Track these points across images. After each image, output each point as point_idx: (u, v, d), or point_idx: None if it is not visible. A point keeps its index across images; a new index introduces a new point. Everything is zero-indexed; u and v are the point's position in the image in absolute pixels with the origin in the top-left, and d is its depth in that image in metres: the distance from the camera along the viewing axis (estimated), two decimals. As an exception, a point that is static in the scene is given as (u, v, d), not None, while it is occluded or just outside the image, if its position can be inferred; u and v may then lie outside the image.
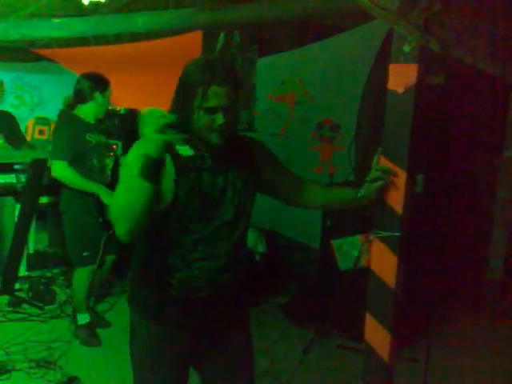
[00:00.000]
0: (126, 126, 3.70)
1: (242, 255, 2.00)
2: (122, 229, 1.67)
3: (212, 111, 1.73)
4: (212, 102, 1.72)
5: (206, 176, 1.81)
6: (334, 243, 2.66)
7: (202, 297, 1.85)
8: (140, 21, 2.89)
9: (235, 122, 1.84)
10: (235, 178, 1.88)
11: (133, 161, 1.70)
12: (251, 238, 4.58)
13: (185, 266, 1.82)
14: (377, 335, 2.24)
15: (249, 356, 2.10)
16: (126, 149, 4.20)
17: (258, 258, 4.60)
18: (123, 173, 1.75)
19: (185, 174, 1.77)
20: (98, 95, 3.71)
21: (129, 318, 1.99)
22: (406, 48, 2.11)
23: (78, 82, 3.74)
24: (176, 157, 1.78)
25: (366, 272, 2.23)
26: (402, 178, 2.08)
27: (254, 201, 2.01)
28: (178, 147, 1.80)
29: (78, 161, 3.61)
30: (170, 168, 1.76)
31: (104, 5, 2.43)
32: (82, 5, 2.20)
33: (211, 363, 2.01)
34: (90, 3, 2.10)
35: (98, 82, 3.74)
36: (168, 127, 1.66)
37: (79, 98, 3.73)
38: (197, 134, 1.77)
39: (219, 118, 1.73)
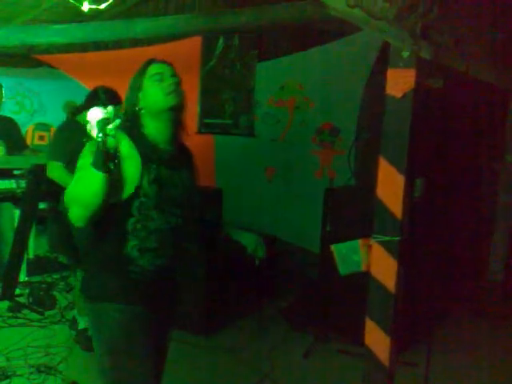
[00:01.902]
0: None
1: (183, 245, 2.17)
2: (73, 213, 1.80)
3: (160, 77, 1.97)
4: (157, 69, 1.99)
5: (163, 170, 1.98)
6: (334, 248, 2.67)
7: (155, 280, 2.03)
8: (139, 27, 2.90)
9: (182, 102, 2.01)
10: (186, 177, 2.10)
11: (87, 153, 1.86)
12: (251, 242, 4.55)
13: (140, 255, 1.97)
14: (377, 339, 2.24)
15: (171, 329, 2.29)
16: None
17: (257, 262, 4.58)
18: (80, 163, 1.89)
19: (147, 165, 1.92)
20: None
21: (89, 309, 2.06)
22: (405, 53, 2.12)
23: (96, 93, 3.76)
24: (140, 143, 1.94)
25: (366, 276, 2.24)
26: (401, 182, 2.10)
27: (198, 201, 2.25)
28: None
29: (74, 163, 3.61)
30: (134, 156, 1.90)
31: (103, 11, 2.45)
32: (82, 11, 2.21)
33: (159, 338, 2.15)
34: (90, 10, 2.11)
35: (109, 98, 3.77)
36: (108, 121, 1.78)
37: (90, 107, 3.73)
38: (153, 111, 1.97)
39: (168, 79, 1.97)
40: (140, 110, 1.98)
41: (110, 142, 1.77)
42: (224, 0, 5.19)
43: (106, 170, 1.76)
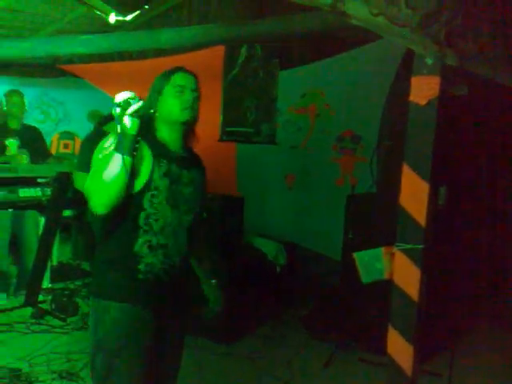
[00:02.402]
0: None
1: (190, 246, 2.16)
2: (98, 199, 1.84)
3: (181, 89, 2.02)
4: (181, 80, 2.03)
5: (174, 167, 2.03)
6: (356, 256, 2.65)
7: (164, 280, 2.03)
8: (163, 37, 2.94)
9: (196, 117, 2.11)
10: (196, 178, 2.14)
11: (109, 140, 1.93)
12: (272, 249, 4.58)
13: (150, 252, 1.99)
14: (399, 348, 2.22)
15: (183, 338, 2.27)
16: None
17: (278, 269, 4.59)
18: (99, 150, 1.94)
19: (158, 159, 1.98)
20: None
21: (91, 305, 2.08)
22: (429, 60, 2.12)
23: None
24: (152, 142, 2.00)
25: (388, 284, 2.22)
26: (425, 190, 2.08)
27: (205, 200, 2.27)
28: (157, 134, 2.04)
29: None
30: (146, 152, 1.96)
31: (130, 22, 2.49)
32: (106, 22, 2.26)
33: (160, 343, 2.12)
34: (117, 22, 2.15)
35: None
36: (132, 101, 1.85)
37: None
38: (167, 120, 2.03)
39: (188, 94, 2.02)
40: (155, 112, 2.03)
41: (134, 122, 1.84)
42: (247, 10, 5.23)
43: (129, 153, 1.83)
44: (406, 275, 2.15)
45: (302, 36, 4.22)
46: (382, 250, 2.52)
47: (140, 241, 1.98)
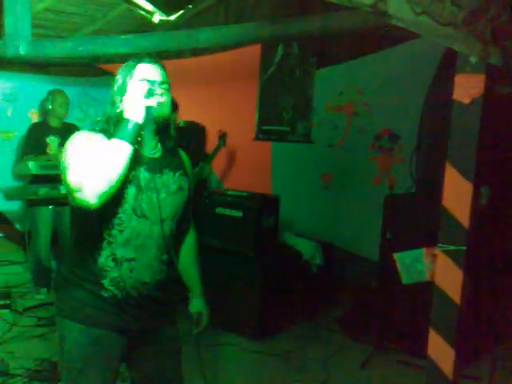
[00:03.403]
0: (184, 139, 3.80)
1: (169, 257, 1.98)
2: (93, 188, 1.63)
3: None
4: (146, 73, 1.86)
5: (143, 172, 1.85)
6: (397, 257, 2.62)
7: (133, 297, 1.87)
8: (202, 36, 2.96)
9: (169, 112, 1.91)
10: (172, 182, 1.94)
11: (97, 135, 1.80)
12: (308, 249, 4.56)
13: (115, 266, 1.83)
14: (441, 351, 2.19)
15: (177, 349, 2.10)
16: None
17: (314, 269, 4.57)
18: (85, 136, 1.80)
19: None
20: None
21: (56, 321, 1.98)
22: (472, 59, 2.08)
23: None
24: None
25: (427, 286, 2.19)
26: (468, 190, 2.05)
27: (189, 206, 2.07)
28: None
29: None
30: None
31: (167, 21, 2.52)
32: (151, 22, 2.29)
33: (141, 358, 2.02)
34: (160, 21, 2.17)
35: (173, 105, 3.87)
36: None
37: None
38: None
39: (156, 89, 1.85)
40: (121, 112, 1.80)
41: (148, 113, 1.75)
42: (283, 8, 5.22)
43: (133, 142, 1.71)
44: (448, 277, 2.12)
45: (341, 34, 4.20)
46: (424, 251, 2.49)
47: (104, 253, 1.83)
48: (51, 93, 4.96)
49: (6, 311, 4.39)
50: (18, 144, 5.74)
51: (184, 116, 5.00)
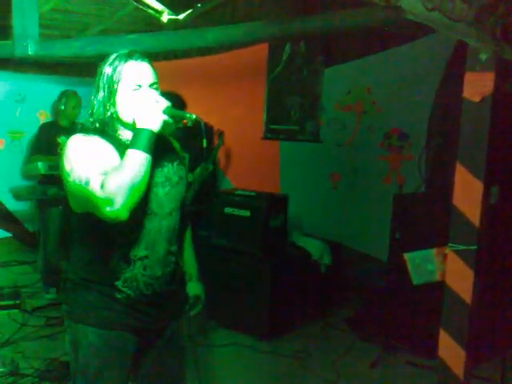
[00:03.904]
0: (192, 138, 3.80)
1: (177, 247, 2.00)
2: (125, 203, 1.63)
3: (137, 88, 1.82)
4: (134, 77, 1.82)
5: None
6: (407, 256, 2.59)
7: (145, 294, 1.86)
8: (210, 35, 2.93)
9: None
10: (171, 173, 1.92)
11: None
12: (316, 248, 4.54)
13: (128, 266, 1.82)
14: (451, 352, 2.17)
15: (180, 344, 2.11)
16: (192, 160, 4.30)
17: (323, 269, 4.56)
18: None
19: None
20: None
21: (67, 325, 1.95)
22: (483, 56, 2.06)
23: None
24: (116, 145, 1.80)
25: (436, 286, 2.17)
26: (479, 189, 2.03)
27: (187, 196, 2.07)
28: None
29: None
30: (113, 156, 1.77)
31: (174, 20, 2.51)
32: (159, 21, 2.28)
33: (146, 354, 2.01)
34: (169, 20, 2.17)
35: (173, 102, 3.89)
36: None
37: None
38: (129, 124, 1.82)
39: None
40: (113, 114, 1.81)
41: (165, 123, 1.75)
42: (290, 6, 5.20)
43: (151, 151, 1.69)
44: (459, 277, 2.10)
45: (349, 32, 4.17)
46: (434, 251, 2.46)
47: (115, 255, 1.81)
48: (64, 94, 4.96)
49: (16, 311, 4.41)
50: (28, 144, 5.78)
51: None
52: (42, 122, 5.60)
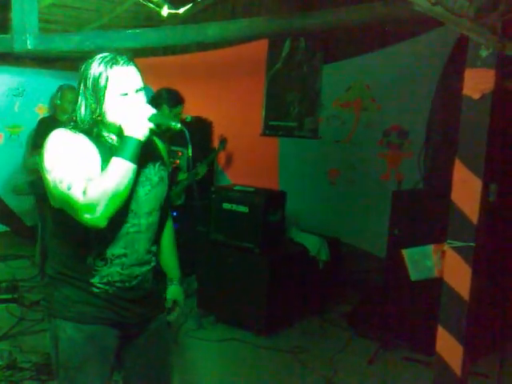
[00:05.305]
0: (191, 133, 3.80)
1: (157, 246, 2.03)
2: (106, 212, 1.66)
3: (125, 93, 1.81)
4: (121, 83, 1.80)
5: None
6: (406, 253, 2.60)
7: (124, 290, 1.87)
8: (210, 31, 2.94)
9: None
10: (152, 174, 1.92)
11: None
12: (314, 244, 4.55)
13: (104, 264, 1.83)
14: (449, 347, 2.18)
15: (166, 338, 2.15)
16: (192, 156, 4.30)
17: (321, 265, 4.56)
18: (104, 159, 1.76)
19: (106, 164, 1.72)
20: (165, 108, 3.87)
21: (46, 320, 1.95)
22: (483, 52, 2.06)
23: (160, 94, 3.95)
24: (98, 144, 1.80)
25: (434, 282, 2.17)
26: (477, 186, 2.03)
27: (168, 194, 2.06)
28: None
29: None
30: (94, 154, 1.77)
31: (174, 16, 2.50)
32: (159, 15, 2.28)
33: (131, 348, 2.01)
34: (169, 14, 2.16)
35: (171, 98, 3.92)
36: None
37: (153, 106, 3.88)
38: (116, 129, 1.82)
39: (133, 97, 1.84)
40: (100, 118, 1.80)
41: (150, 131, 1.76)
42: (291, 3, 5.19)
43: (136, 161, 1.71)
44: (457, 273, 2.10)
45: (349, 28, 4.17)
46: (432, 247, 2.47)
47: (93, 253, 1.81)
48: (61, 88, 4.96)
49: (14, 305, 4.41)
50: (28, 138, 5.76)
51: (190, 111, 5.00)
52: (40, 117, 5.60)
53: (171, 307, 2.21)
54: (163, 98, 3.97)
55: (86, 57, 1.86)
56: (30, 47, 3.43)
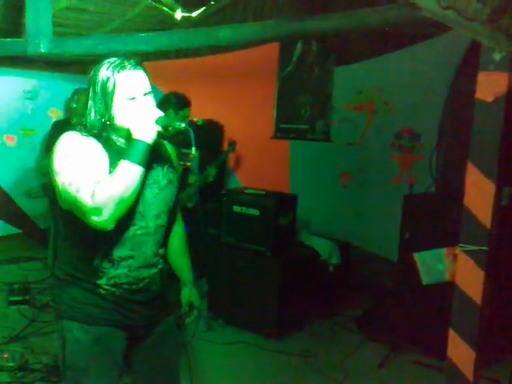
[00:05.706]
0: (203, 137, 3.82)
1: (165, 249, 2.04)
2: (113, 215, 1.68)
3: (133, 97, 1.84)
4: (129, 87, 1.84)
5: None
6: (417, 256, 2.58)
7: (131, 292, 1.87)
8: (222, 34, 2.94)
9: None
10: (161, 176, 1.93)
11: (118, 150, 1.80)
12: (325, 248, 4.54)
13: (111, 266, 1.83)
14: (461, 352, 2.16)
15: (174, 341, 2.14)
16: (202, 159, 4.31)
17: (331, 269, 4.55)
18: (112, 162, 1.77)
19: (114, 166, 1.74)
20: (171, 111, 3.90)
21: (55, 322, 1.96)
22: (496, 56, 2.04)
23: (168, 98, 3.97)
24: (106, 147, 1.82)
25: (446, 286, 2.15)
26: (491, 190, 2.01)
27: (177, 197, 2.08)
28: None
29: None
30: (103, 157, 1.79)
31: (186, 19, 2.52)
32: (173, 18, 2.29)
33: (139, 351, 2.02)
34: (182, 18, 2.18)
35: (177, 101, 3.94)
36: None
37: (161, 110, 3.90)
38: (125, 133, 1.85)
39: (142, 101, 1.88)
40: (108, 122, 1.83)
41: (158, 135, 1.78)
42: (303, 5, 5.19)
43: (145, 164, 1.74)
44: (469, 277, 2.08)
45: (361, 32, 4.16)
46: (444, 250, 2.45)
47: (99, 254, 1.82)
48: (77, 92, 4.98)
49: (25, 307, 4.44)
50: (42, 141, 5.81)
51: (201, 114, 5.02)
52: (54, 120, 5.64)
53: (188, 310, 2.21)
54: (170, 102, 4.00)
55: (98, 60, 1.88)
56: (43, 50, 3.45)
